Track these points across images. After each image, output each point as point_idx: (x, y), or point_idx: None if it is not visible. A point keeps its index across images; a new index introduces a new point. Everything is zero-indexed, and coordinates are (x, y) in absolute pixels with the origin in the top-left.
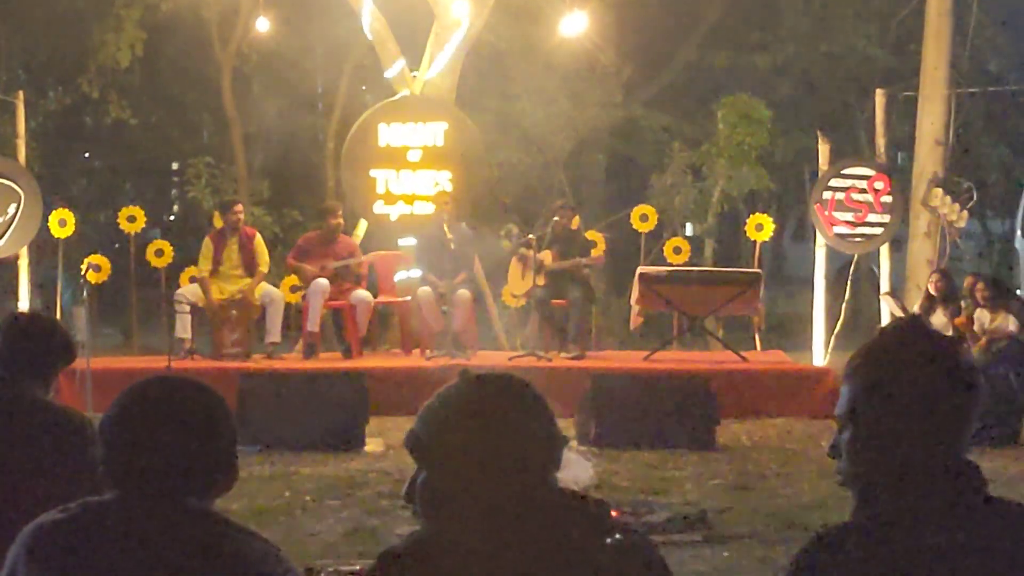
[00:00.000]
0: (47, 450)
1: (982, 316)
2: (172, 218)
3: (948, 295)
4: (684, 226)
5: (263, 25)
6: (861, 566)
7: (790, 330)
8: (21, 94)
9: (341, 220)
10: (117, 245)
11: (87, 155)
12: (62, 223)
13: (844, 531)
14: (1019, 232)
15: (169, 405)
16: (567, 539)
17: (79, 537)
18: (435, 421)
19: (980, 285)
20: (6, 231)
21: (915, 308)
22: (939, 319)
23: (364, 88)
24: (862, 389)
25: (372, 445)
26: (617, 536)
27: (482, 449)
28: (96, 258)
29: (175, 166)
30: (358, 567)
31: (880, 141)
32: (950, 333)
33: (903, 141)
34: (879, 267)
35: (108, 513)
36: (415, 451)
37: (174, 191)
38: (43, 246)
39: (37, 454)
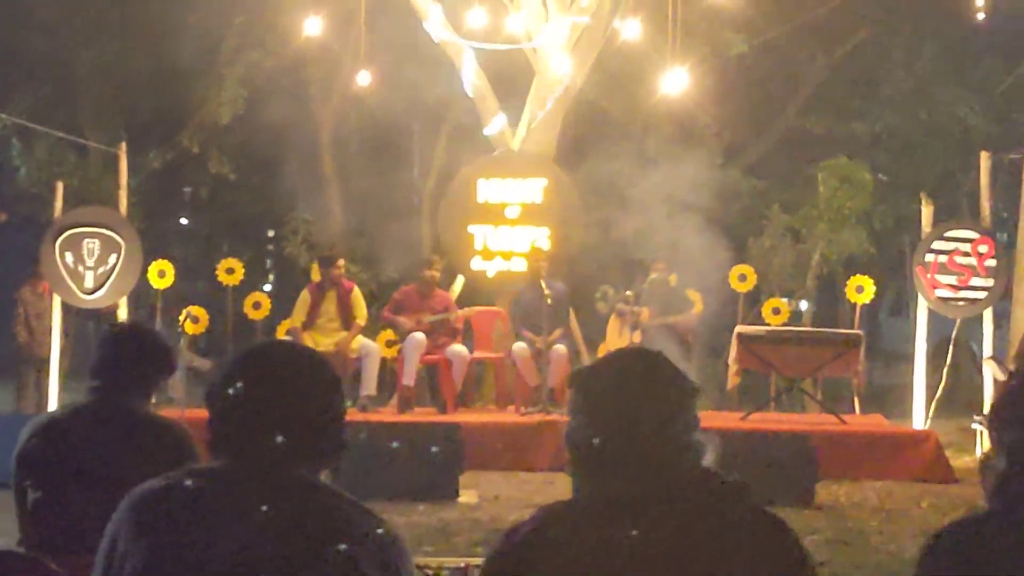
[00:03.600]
0: (144, 459)
1: None
2: (268, 288)
3: None
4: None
5: (364, 79)
6: (991, 550)
7: (888, 400)
8: (123, 145)
9: (437, 273)
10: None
11: (184, 221)
12: (161, 274)
13: (975, 519)
14: None
15: (278, 372)
16: (710, 508)
17: (184, 504)
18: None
19: None
20: (106, 281)
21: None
22: None
23: (461, 146)
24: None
25: (466, 496)
26: (756, 511)
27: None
28: (195, 309)
29: (271, 233)
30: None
31: (984, 204)
32: None
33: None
34: (979, 343)
35: (214, 481)
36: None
37: (269, 260)
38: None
39: (134, 463)
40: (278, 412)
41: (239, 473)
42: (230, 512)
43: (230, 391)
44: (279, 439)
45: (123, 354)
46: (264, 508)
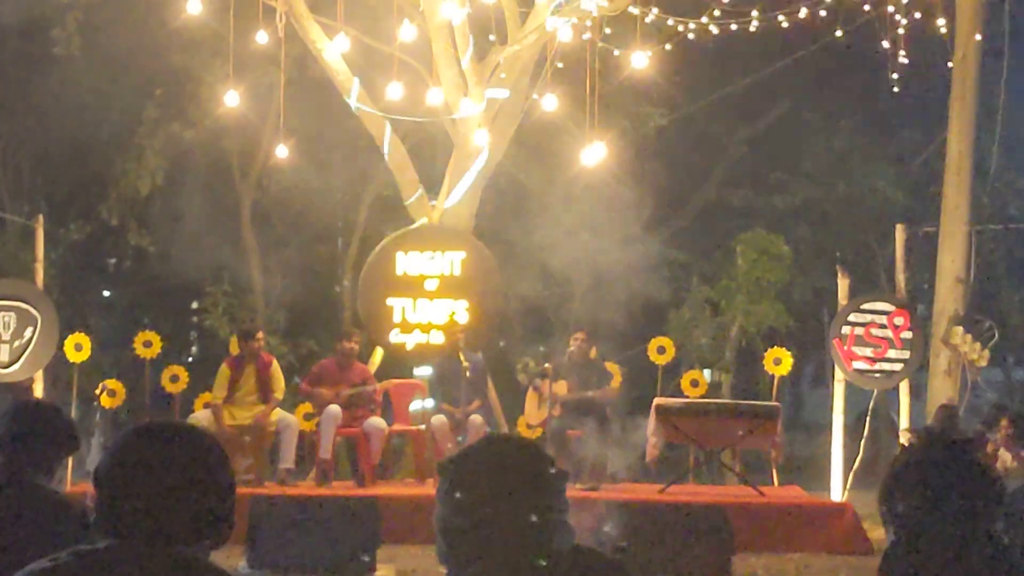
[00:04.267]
0: (41, 537)
1: (1004, 456)
2: (191, 359)
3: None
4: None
5: (282, 152)
6: None
7: (808, 471)
8: (40, 218)
9: (356, 345)
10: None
11: (107, 293)
12: (78, 347)
13: None
14: None
15: (163, 452)
16: None
17: None
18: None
19: (1004, 421)
20: (22, 354)
21: None
22: None
23: (383, 218)
24: None
25: (383, 570)
26: None
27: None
28: (111, 383)
29: (195, 305)
30: None
31: (900, 276)
32: None
33: (924, 280)
34: (898, 413)
35: (98, 562)
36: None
37: (193, 332)
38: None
39: (30, 540)
40: (161, 491)
41: (123, 553)
42: None
43: (114, 471)
44: (162, 519)
45: (24, 431)
46: None
